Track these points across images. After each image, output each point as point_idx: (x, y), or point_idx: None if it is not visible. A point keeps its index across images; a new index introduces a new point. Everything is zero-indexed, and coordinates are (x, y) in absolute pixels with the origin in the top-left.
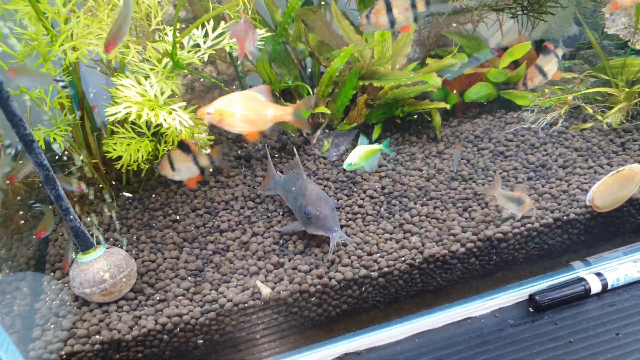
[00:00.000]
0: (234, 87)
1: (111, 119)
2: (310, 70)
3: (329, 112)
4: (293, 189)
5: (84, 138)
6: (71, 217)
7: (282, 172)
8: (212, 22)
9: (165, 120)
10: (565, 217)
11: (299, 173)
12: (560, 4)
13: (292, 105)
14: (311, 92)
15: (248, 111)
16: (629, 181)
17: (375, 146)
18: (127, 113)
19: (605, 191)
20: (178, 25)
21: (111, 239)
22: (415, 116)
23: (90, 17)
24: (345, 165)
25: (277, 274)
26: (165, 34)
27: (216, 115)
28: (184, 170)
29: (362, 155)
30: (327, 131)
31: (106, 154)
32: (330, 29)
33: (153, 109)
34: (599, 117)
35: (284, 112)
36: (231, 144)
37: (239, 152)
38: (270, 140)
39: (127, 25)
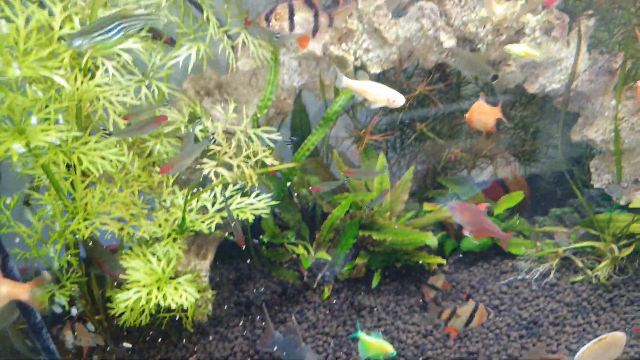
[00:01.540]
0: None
1: (122, 305)
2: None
3: (329, 258)
4: (291, 355)
5: (89, 291)
6: None
7: (284, 322)
8: (220, 186)
9: (173, 300)
10: None
11: (296, 338)
12: (552, 156)
13: (28, 283)
14: (310, 250)
15: None
16: (612, 347)
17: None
18: (138, 298)
19: (590, 357)
20: None
21: None
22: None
23: (104, 187)
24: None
25: None
26: (176, 197)
27: None
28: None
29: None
30: (328, 274)
31: (109, 308)
32: (331, 174)
33: (160, 288)
34: (589, 272)
35: (21, 290)
36: (232, 286)
37: (239, 295)
38: (271, 284)
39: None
